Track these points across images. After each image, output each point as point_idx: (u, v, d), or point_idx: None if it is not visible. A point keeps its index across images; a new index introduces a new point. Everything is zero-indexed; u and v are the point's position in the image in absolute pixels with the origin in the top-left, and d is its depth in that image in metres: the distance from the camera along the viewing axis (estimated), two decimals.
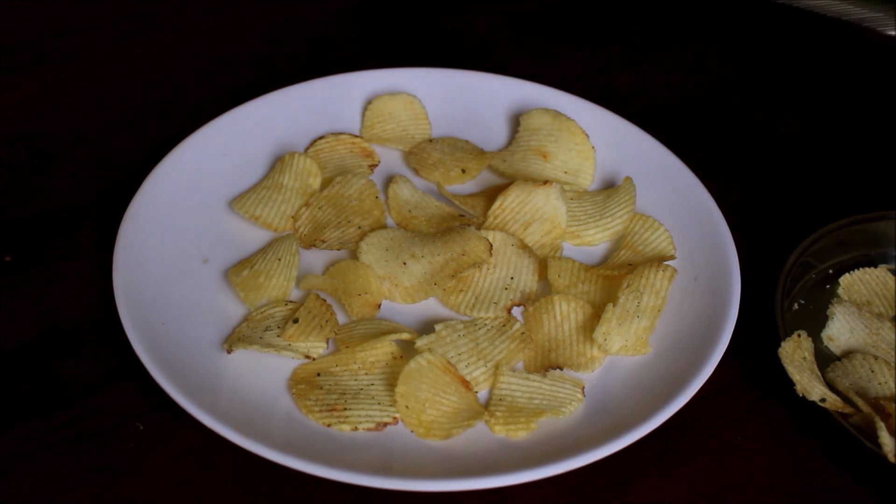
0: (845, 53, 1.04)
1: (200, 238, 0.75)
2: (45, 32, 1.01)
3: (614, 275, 0.73)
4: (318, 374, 0.66)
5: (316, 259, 0.75)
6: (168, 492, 0.62)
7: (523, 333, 0.69)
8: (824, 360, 0.69)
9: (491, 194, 0.80)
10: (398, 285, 0.72)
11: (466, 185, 0.83)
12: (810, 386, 0.64)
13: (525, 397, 0.65)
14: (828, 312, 0.71)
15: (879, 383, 0.67)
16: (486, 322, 0.70)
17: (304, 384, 0.65)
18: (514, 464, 0.59)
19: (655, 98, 0.96)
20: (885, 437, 0.61)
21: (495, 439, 0.63)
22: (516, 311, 0.72)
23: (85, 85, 0.94)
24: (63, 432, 0.64)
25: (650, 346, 0.68)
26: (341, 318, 0.71)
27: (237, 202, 0.78)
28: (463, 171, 0.82)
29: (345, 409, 0.64)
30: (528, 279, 0.73)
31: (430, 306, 0.72)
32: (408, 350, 0.68)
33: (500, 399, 0.65)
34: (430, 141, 0.86)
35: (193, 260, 0.73)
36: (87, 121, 0.90)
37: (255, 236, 0.76)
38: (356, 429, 0.63)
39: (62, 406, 0.66)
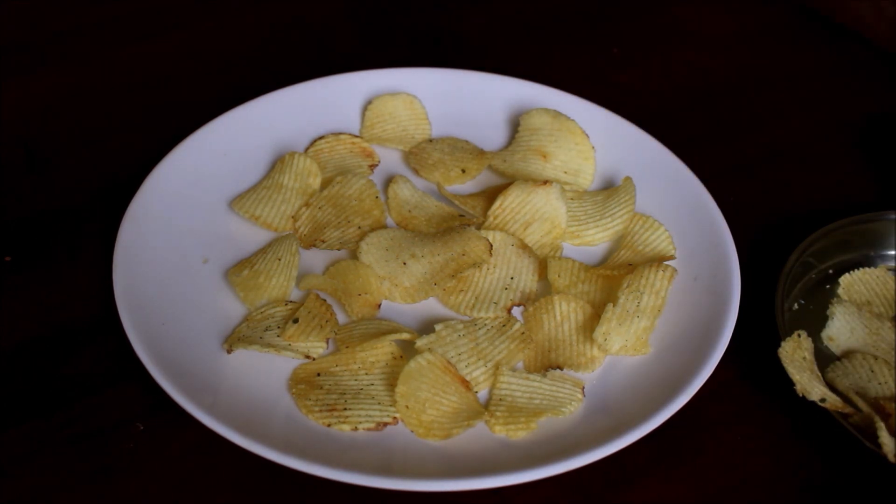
0: (845, 53, 1.04)
1: (200, 238, 0.75)
2: (45, 32, 1.01)
3: (614, 275, 0.73)
4: (318, 374, 0.66)
5: (316, 259, 0.75)
6: (168, 492, 0.62)
7: (523, 333, 0.69)
8: (824, 360, 0.69)
9: (491, 194, 0.80)
10: (398, 285, 0.72)
11: (466, 185, 0.83)
12: (810, 386, 0.64)
13: (525, 397, 0.65)
14: (828, 312, 0.71)
15: (879, 383, 0.67)
16: (486, 322, 0.70)
17: (304, 384, 0.65)
18: (514, 464, 0.60)
19: (656, 98, 0.96)
20: (885, 437, 0.61)
21: (495, 439, 0.63)
22: (516, 311, 0.72)
23: (85, 85, 0.94)
24: (63, 432, 0.64)
25: (650, 346, 0.69)
26: (341, 318, 0.71)
27: (237, 202, 0.78)
28: (463, 171, 0.82)
29: (345, 409, 0.64)
30: (528, 279, 0.73)
31: (430, 306, 0.72)
32: (408, 350, 0.68)
33: (500, 399, 0.65)
34: (430, 141, 0.86)
35: (193, 260, 0.73)
36: (87, 121, 0.90)
37: (255, 236, 0.76)
38: (356, 429, 0.63)
39: (62, 406, 0.66)
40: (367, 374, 0.66)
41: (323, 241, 0.75)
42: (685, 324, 0.69)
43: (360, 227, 0.76)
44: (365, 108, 0.87)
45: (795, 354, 0.66)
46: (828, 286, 0.75)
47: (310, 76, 0.87)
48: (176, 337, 0.66)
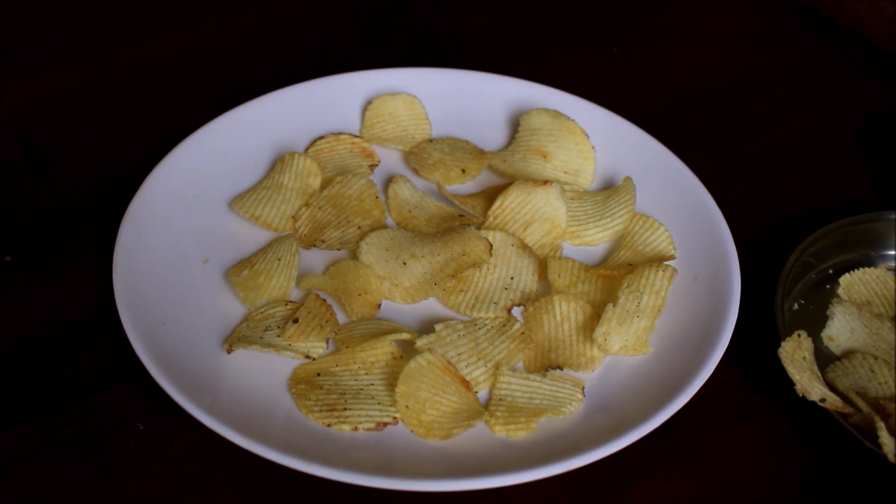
0: (845, 53, 1.04)
1: (200, 238, 0.75)
2: (45, 32, 1.01)
3: (614, 275, 0.73)
4: (318, 374, 0.66)
5: (316, 259, 0.75)
6: (168, 492, 0.62)
7: (523, 333, 0.69)
8: (824, 360, 0.69)
9: (491, 194, 0.80)
10: (398, 285, 0.72)
11: (466, 185, 0.83)
12: (810, 386, 0.64)
13: (525, 397, 0.65)
14: (828, 312, 0.71)
15: (879, 383, 0.67)
16: (486, 322, 0.70)
17: (304, 384, 0.65)
18: (514, 464, 0.59)
19: (656, 98, 0.96)
20: (885, 437, 0.61)
21: (495, 439, 0.63)
22: (516, 311, 0.72)
23: (85, 85, 0.94)
24: (63, 432, 0.64)
25: (650, 346, 0.68)
26: (341, 318, 0.71)
27: (237, 202, 0.78)
28: (463, 171, 0.82)
29: (345, 409, 0.64)
30: (528, 279, 0.73)
31: (430, 306, 0.72)
32: (408, 350, 0.68)
33: (500, 399, 0.65)
34: (430, 141, 0.86)
35: (193, 260, 0.73)
36: (87, 121, 0.90)
37: (255, 236, 0.76)
38: (356, 429, 0.63)
39: (62, 406, 0.66)
40: (367, 374, 0.66)
41: (323, 241, 0.75)
42: (685, 324, 0.69)
43: (360, 227, 0.76)
44: (365, 108, 0.87)
45: (795, 354, 0.66)
46: (828, 286, 0.75)
47: (310, 76, 0.87)
48: (176, 337, 0.66)
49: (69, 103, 0.92)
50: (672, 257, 0.74)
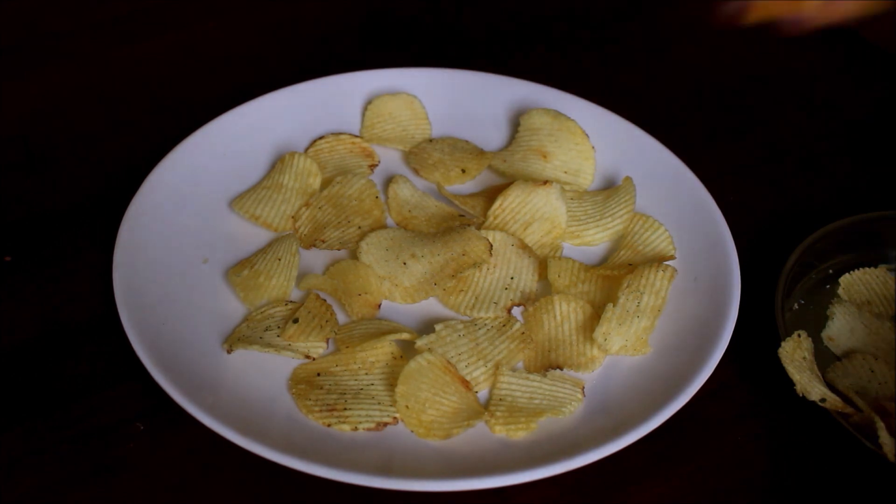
0: (844, 53, 1.04)
1: (200, 238, 0.75)
2: (45, 32, 1.01)
3: (614, 275, 0.73)
4: (318, 374, 0.66)
5: (316, 259, 0.75)
6: (168, 492, 0.62)
7: (523, 333, 0.69)
8: (824, 360, 0.69)
9: (491, 194, 0.80)
10: (398, 285, 0.72)
11: (466, 185, 0.83)
12: (810, 386, 0.64)
13: (525, 397, 0.65)
14: (828, 312, 0.71)
15: (879, 383, 0.67)
16: (486, 322, 0.70)
17: (304, 384, 0.65)
18: (514, 464, 0.59)
19: (655, 98, 0.96)
20: (885, 437, 0.61)
21: (495, 439, 0.63)
22: (516, 311, 0.72)
23: (85, 85, 0.94)
24: (63, 432, 0.64)
25: (650, 346, 0.68)
26: (341, 318, 0.71)
27: (237, 202, 0.78)
28: (463, 171, 0.82)
29: (345, 409, 0.64)
30: (528, 279, 0.73)
31: (430, 306, 0.72)
32: (408, 350, 0.68)
33: (500, 399, 0.65)
34: (430, 141, 0.86)
35: (193, 260, 0.73)
36: (87, 121, 0.90)
37: (255, 236, 0.76)
38: (356, 429, 0.63)
39: (62, 406, 0.66)
40: (367, 374, 0.66)
41: (323, 241, 0.75)
42: (685, 324, 0.69)
43: (360, 227, 0.76)
44: (365, 108, 0.87)
45: (795, 354, 0.66)
46: (828, 286, 0.75)
47: (310, 76, 0.87)
48: (176, 337, 0.66)
49: (69, 103, 0.92)
50: (672, 257, 0.74)
